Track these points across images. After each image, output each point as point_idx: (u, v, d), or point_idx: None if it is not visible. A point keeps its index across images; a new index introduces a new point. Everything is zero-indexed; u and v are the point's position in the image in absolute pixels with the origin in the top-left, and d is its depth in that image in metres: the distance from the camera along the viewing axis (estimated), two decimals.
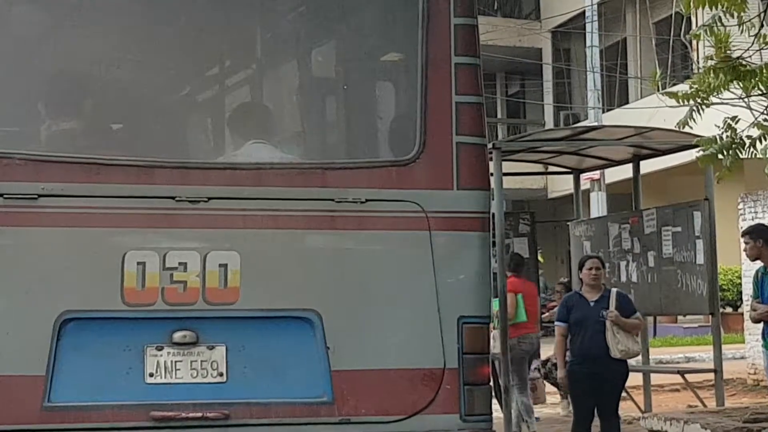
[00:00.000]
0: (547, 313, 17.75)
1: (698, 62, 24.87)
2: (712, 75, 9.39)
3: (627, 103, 32.42)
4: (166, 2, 6.40)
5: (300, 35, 6.76)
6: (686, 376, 14.42)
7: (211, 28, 6.43)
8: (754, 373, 17.20)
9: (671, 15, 28.62)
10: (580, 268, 10.59)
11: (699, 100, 9.44)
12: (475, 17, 6.37)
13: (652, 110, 22.72)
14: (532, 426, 12.79)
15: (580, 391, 10.38)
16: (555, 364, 12.33)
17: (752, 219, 16.90)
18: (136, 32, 6.32)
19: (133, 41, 6.32)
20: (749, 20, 9.42)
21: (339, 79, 6.75)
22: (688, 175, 20.15)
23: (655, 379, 15.17)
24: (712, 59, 9.61)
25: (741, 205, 17.82)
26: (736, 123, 9.50)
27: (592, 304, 10.27)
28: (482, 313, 6.17)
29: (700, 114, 9.50)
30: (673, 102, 10.01)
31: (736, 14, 9.01)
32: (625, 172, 16.84)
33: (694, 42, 26.77)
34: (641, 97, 30.71)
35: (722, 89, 9.51)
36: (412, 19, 6.25)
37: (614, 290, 10.55)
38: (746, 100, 11.35)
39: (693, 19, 25.43)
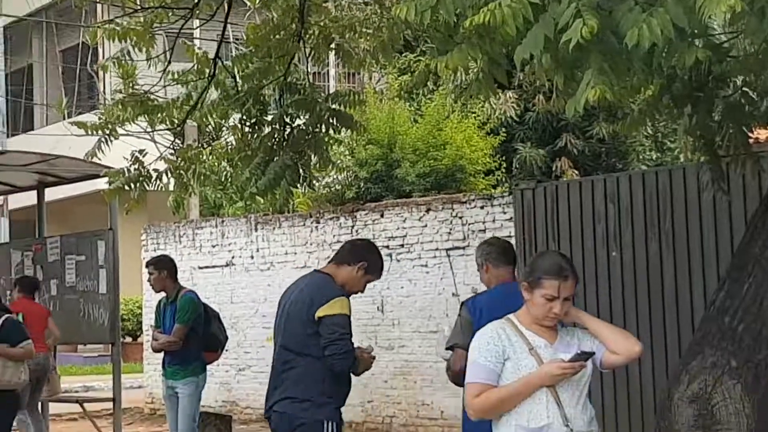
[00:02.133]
0: None
1: (105, 93, 25.11)
2: (120, 107, 9.47)
3: (32, 129, 31.97)
4: None
5: None
6: (85, 405, 14.38)
7: None
8: (152, 402, 17.50)
9: (79, 44, 28.67)
10: None
11: (107, 132, 9.48)
12: None
13: (58, 137, 22.58)
14: None
15: None
16: None
17: (155, 250, 17.24)
18: None
19: None
20: (157, 56, 9.60)
21: None
22: (94, 203, 20.17)
23: (54, 408, 14.98)
24: (121, 92, 9.70)
25: (144, 236, 18.13)
26: (144, 156, 9.64)
27: None
28: None
29: (108, 145, 9.53)
30: (78, 131, 9.98)
31: (144, 49, 9.15)
32: (30, 198, 16.58)
33: (101, 73, 26.98)
34: (47, 124, 30.42)
35: (130, 122, 9.61)
36: None
37: (4, 316, 10.16)
38: (152, 133, 11.55)
39: (100, 49, 25.68)
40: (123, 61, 9.48)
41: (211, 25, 10.16)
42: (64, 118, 19.88)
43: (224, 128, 11.28)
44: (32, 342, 10.22)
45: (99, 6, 20.65)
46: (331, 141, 9.89)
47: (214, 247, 16.93)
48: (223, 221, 17.16)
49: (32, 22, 30.04)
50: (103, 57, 26.49)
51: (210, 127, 10.99)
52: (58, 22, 29.72)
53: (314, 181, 10.04)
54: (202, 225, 17.36)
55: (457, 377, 6.32)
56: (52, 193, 16.11)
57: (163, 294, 10.14)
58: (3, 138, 26.72)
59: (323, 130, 9.64)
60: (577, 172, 17.99)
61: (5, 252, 15.37)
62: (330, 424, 6.48)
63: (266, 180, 9.07)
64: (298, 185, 9.57)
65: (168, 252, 15.60)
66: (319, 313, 6.49)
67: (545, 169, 18.41)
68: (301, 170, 9.43)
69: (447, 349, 6.87)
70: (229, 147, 10.19)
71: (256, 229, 16.34)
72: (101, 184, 11.41)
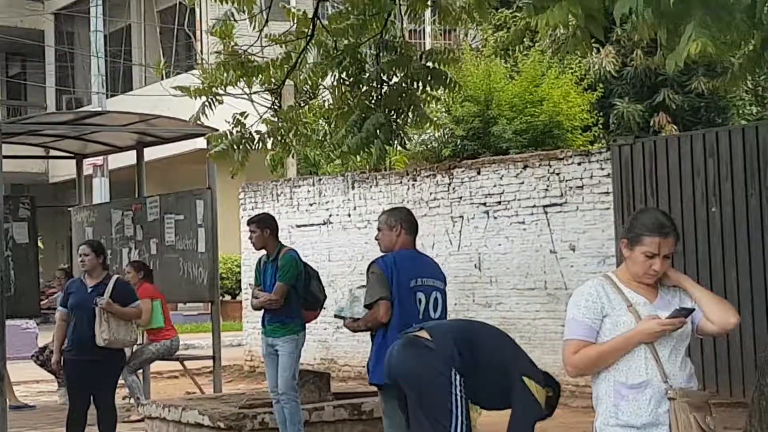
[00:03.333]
0: (45, 300, 17.41)
1: (202, 53, 25.30)
2: (222, 70, 9.53)
3: (131, 90, 32.35)
4: None
5: None
6: (185, 363, 14.60)
7: None
8: (251, 360, 17.70)
9: (176, 4, 28.88)
10: None
11: (211, 96, 9.56)
12: None
13: (157, 98, 22.81)
14: (142, 399, 12.60)
15: (72, 378, 10.24)
16: (52, 351, 12.13)
17: (253, 208, 17.39)
18: None
19: None
20: (254, 15, 9.63)
21: None
22: (192, 163, 20.40)
23: (155, 366, 15.23)
24: (220, 53, 9.76)
25: (242, 195, 18.28)
26: (245, 118, 9.71)
27: (89, 290, 10.14)
28: None
29: (212, 109, 9.62)
30: (176, 91, 10.08)
31: (246, 9, 9.17)
32: (129, 158, 16.80)
33: (198, 33, 27.14)
34: (145, 85, 30.75)
35: (233, 85, 9.69)
36: None
37: (114, 277, 10.44)
38: (250, 94, 11.63)
39: (197, 9, 25.85)
40: (227, 21, 9.52)
41: None
42: (162, 79, 20.07)
43: (321, 87, 11.31)
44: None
45: None
46: (428, 98, 9.88)
47: (311, 205, 17.03)
48: (320, 179, 17.24)
49: None
50: (200, 17, 26.69)
51: (307, 86, 11.00)
52: None
53: (408, 140, 10.06)
54: (299, 183, 17.46)
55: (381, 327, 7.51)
56: (150, 153, 16.31)
57: (262, 252, 10.20)
58: (102, 99, 27.03)
59: (419, 88, 9.64)
60: (675, 127, 17.77)
61: (106, 212, 15.60)
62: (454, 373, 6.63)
63: (358, 138, 9.10)
64: (392, 143, 9.59)
65: (266, 210, 15.72)
66: (527, 381, 6.69)
67: (643, 125, 18.20)
68: (394, 128, 9.44)
69: (369, 305, 7.61)
70: (327, 105, 10.22)
71: (353, 187, 16.40)
72: (200, 143, 11.53)
